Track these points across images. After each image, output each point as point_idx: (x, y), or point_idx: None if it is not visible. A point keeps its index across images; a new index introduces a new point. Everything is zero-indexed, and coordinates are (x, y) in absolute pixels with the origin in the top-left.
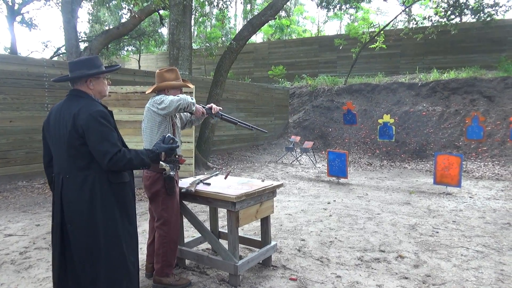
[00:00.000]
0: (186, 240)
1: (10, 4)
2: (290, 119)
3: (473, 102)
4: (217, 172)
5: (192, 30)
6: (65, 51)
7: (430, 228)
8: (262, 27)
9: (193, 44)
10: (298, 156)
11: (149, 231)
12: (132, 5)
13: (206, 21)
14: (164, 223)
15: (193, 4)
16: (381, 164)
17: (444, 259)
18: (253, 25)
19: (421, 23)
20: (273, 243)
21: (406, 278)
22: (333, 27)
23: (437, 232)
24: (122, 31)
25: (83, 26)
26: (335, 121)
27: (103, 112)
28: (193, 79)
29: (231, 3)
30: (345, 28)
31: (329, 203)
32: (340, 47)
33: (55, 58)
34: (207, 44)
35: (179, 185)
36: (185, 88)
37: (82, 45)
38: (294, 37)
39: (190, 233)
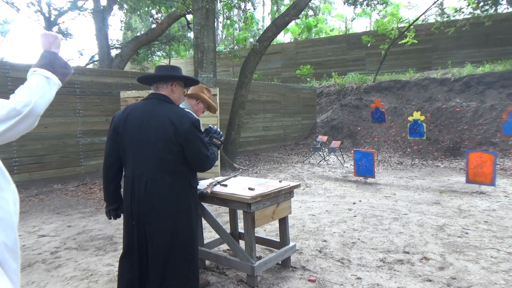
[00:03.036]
0: (206, 241)
1: (47, 15)
2: (318, 118)
3: (510, 97)
4: (236, 174)
5: (220, 32)
6: (98, 59)
7: (459, 228)
8: (290, 27)
9: (221, 46)
10: (325, 156)
11: None
12: (156, 13)
13: (235, 23)
14: None
15: (216, 8)
16: (412, 163)
17: (472, 261)
18: (276, 26)
19: (453, 16)
20: (291, 244)
21: (430, 280)
22: (362, 24)
23: (467, 233)
24: (151, 37)
25: (116, 33)
26: (364, 120)
27: (199, 121)
28: (218, 82)
29: (253, 4)
30: (373, 24)
31: (354, 203)
32: (368, 45)
33: (90, 66)
34: (230, 46)
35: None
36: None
37: (114, 52)
38: (322, 36)
39: (212, 234)
